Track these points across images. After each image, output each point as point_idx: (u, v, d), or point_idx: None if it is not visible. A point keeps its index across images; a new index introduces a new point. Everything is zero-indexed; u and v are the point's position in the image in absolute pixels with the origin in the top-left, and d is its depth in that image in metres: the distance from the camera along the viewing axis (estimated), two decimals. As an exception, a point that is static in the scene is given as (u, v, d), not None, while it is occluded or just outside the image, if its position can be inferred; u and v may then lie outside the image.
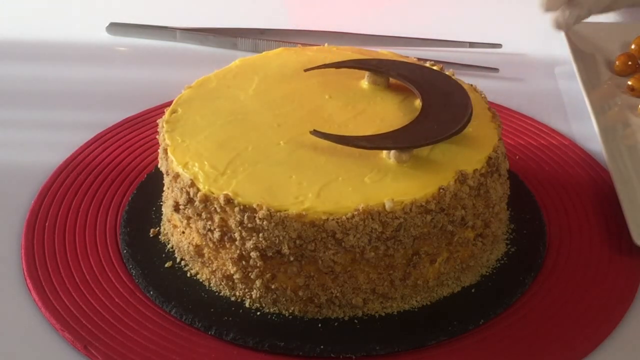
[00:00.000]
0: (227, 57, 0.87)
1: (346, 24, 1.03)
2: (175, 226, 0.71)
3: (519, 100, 0.92)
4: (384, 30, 1.03)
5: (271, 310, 0.66)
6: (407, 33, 1.03)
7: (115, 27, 1.05)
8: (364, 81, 0.75)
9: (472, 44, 1.02)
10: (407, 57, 0.79)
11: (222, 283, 0.67)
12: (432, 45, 1.02)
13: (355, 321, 0.66)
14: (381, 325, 0.65)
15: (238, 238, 0.64)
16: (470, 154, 0.67)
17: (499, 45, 1.01)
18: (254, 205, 0.62)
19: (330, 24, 1.02)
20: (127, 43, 1.04)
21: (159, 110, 0.80)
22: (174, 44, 1.03)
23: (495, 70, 0.97)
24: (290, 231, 0.62)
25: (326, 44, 0.83)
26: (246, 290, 0.66)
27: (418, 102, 0.71)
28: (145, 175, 0.79)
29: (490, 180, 0.67)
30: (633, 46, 0.96)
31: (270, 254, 0.63)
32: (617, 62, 0.95)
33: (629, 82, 0.91)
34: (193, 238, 0.68)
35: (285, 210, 0.62)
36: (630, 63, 0.94)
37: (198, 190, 0.65)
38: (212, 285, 0.68)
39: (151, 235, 0.73)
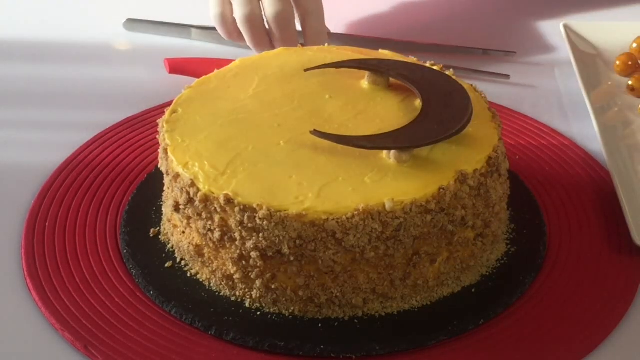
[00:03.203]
0: (228, 57, 0.87)
1: (351, 27, 1.03)
2: (175, 226, 0.71)
3: (518, 101, 0.92)
4: (395, 35, 1.02)
5: (271, 310, 0.66)
6: (415, 38, 1.02)
7: (130, 24, 1.04)
8: (364, 81, 0.75)
9: (485, 51, 0.99)
10: (407, 57, 0.79)
11: (222, 283, 0.67)
12: (444, 51, 0.99)
13: (355, 321, 0.66)
14: (381, 325, 0.65)
15: (238, 238, 0.64)
16: (470, 154, 0.67)
17: (512, 53, 0.99)
18: (254, 205, 0.62)
19: (330, 23, 1.02)
20: (127, 42, 1.04)
21: (159, 110, 0.80)
22: (188, 41, 1.02)
23: (507, 76, 0.95)
24: (290, 231, 0.62)
25: (326, 44, 0.83)
26: (246, 290, 0.66)
27: (418, 102, 0.71)
28: (145, 175, 0.79)
29: (490, 180, 0.67)
30: (634, 45, 0.96)
31: (271, 254, 0.63)
32: (617, 62, 0.95)
33: (629, 82, 0.91)
34: (193, 238, 0.68)
35: (285, 210, 0.62)
36: (630, 63, 0.94)
37: (198, 190, 0.65)
38: (212, 285, 0.68)
39: (151, 235, 0.73)
